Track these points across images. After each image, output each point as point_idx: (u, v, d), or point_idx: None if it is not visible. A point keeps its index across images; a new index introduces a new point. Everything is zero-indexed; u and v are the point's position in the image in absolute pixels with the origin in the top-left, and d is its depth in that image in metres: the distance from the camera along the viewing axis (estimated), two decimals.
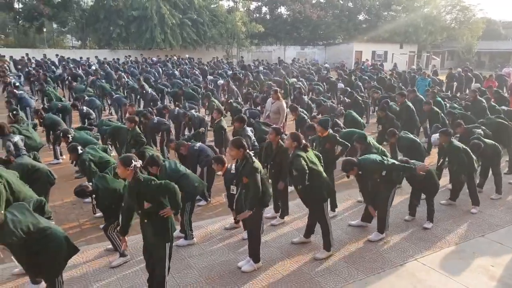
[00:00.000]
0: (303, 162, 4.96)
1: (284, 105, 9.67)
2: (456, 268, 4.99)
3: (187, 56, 29.46)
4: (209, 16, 34.36)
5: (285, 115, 9.85)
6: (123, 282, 4.65)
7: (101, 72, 18.95)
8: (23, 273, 4.62)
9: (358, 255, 5.24)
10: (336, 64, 28.93)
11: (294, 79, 17.92)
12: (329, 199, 6.27)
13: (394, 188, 5.61)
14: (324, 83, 16.99)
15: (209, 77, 18.70)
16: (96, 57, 26.73)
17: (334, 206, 6.47)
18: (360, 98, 12.06)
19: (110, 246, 5.30)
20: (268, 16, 42.36)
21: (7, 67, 21.58)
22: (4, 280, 4.70)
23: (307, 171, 4.98)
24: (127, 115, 9.54)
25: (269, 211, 6.32)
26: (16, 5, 33.19)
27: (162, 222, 4.03)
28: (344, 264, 5.03)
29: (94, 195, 4.96)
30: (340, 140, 6.60)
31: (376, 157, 5.52)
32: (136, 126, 7.93)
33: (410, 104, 9.76)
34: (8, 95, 12.66)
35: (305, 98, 12.59)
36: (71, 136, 7.36)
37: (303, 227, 5.68)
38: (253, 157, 4.74)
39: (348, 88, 14.01)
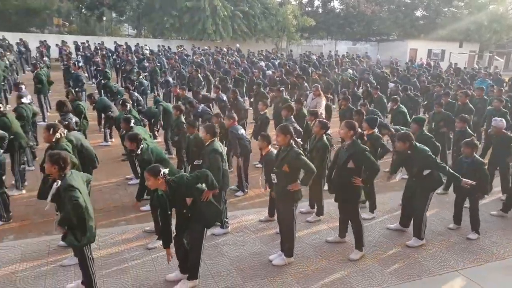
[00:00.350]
0: (372, 157, 4.85)
1: (323, 102, 9.49)
2: (502, 284, 4.69)
3: (238, 45, 29.69)
4: (261, 9, 34.37)
5: (321, 111, 9.70)
6: (157, 264, 4.79)
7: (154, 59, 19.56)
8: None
9: (394, 260, 5.06)
10: (389, 61, 27.96)
11: (350, 71, 17.69)
12: (368, 201, 6.21)
13: (431, 192, 5.34)
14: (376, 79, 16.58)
15: (261, 63, 18.75)
16: (144, 45, 27.59)
17: (373, 208, 6.29)
18: (412, 94, 11.67)
19: (149, 228, 5.48)
20: (320, 10, 41.69)
21: (70, 51, 22.82)
22: (52, 251, 5.00)
23: (379, 169, 4.89)
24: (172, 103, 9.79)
25: (303, 207, 6.29)
26: None
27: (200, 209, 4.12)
28: (378, 268, 4.87)
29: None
30: (383, 142, 6.36)
31: (430, 152, 5.25)
32: (181, 114, 8.11)
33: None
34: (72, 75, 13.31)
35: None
36: (133, 121, 6.87)
37: (337, 226, 5.56)
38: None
39: (399, 90, 13.46)
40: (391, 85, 15.70)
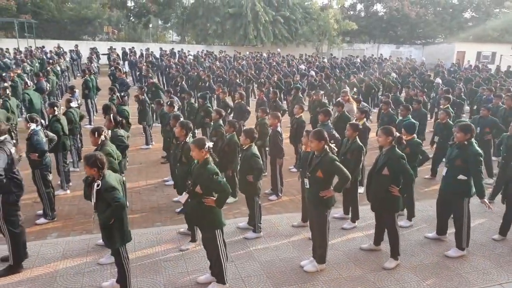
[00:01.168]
0: (407, 165, 4.72)
1: (355, 107, 9.28)
2: None
3: (279, 50, 29.81)
4: (302, 14, 34.33)
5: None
6: (189, 265, 4.88)
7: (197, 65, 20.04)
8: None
9: (431, 271, 4.85)
10: (434, 64, 26.93)
11: (394, 74, 17.27)
12: (406, 208, 6.01)
13: (465, 199, 5.06)
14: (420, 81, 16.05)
15: (301, 67, 18.67)
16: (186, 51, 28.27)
17: (411, 216, 6.07)
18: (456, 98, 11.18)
19: (183, 230, 5.60)
20: (362, 14, 40.97)
21: (118, 57, 23.87)
22: (90, 249, 5.22)
23: (413, 178, 4.79)
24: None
25: (337, 212, 6.19)
26: (129, 3, 36.61)
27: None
28: (414, 278, 4.69)
29: None
30: (423, 149, 6.12)
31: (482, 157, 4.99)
32: (220, 118, 8.23)
33: None
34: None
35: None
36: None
37: (372, 234, 5.41)
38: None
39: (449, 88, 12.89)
40: (438, 81, 15.14)
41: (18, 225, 4.65)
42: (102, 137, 5.28)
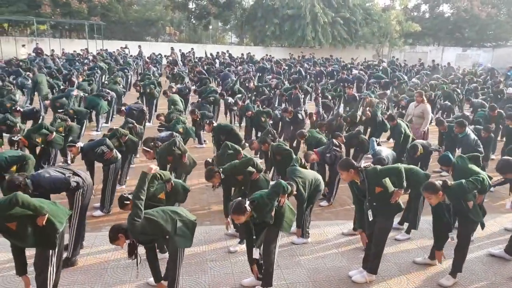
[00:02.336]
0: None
1: (429, 108, 8.80)
2: None
3: (332, 56, 29.25)
4: (363, 15, 33.48)
5: (429, 119, 9.00)
6: (235, 267, 4.87)
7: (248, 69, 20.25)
8: None
9: None
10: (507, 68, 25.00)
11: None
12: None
13: None
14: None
15: (355, 72, 18.09)
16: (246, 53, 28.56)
17: (411, 228, 5.70)
18: None
19: (231, 231, 5.60)
20: (427, 15, 39.05)
21: (176, 59, 24.74)
22: None
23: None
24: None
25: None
26: (190, 5, 37.80)
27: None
28: None
29: None
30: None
31: None
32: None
33: None
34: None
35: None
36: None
37: (430, 246, 5.07)
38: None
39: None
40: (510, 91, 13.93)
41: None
42: None
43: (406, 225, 5.75)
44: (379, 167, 4.40)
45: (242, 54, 28.08)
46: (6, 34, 33.38)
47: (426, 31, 36.29)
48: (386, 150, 6.82)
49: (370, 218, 4.39)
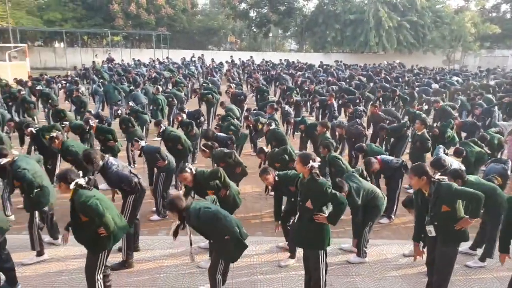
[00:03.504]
0: None
1: None
2: None
3: (398, 61, 27.97)
4: (432, 18, 31.75)
5: None
6: (285, 283, 4.63)
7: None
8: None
9: None
10: None
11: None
12: None
13: None
14: None
15: (434, 86, 16.88)
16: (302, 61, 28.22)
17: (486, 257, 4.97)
18: None
19: (282, 244, 5.38)
20: (508, 15, 36.09)
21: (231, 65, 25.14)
22: (194, 251, 5.33)
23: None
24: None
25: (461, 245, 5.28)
26: (251, 14, 38.37)
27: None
28: None
29: None
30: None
31: None
32: (327, 132, 7.88)
33: None
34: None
35: None
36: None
37: (508, 277, 4.45)
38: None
39: None
40: None
41: (133, 222, 4.98)
42: None
43: (480, 250, 5.14)
44: (455, 185, 3.85)
45: (298, 61, 27.70)
46: (86, 46, 36.14)
47: (506, 33, 33.47)
48: (454, 162, 6.21)
49: (430, 234, 3.94)
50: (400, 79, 18.70)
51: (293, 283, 4.61)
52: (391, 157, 6.47)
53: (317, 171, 3.85)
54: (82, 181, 3.75)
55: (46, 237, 5.33)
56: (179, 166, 7.26)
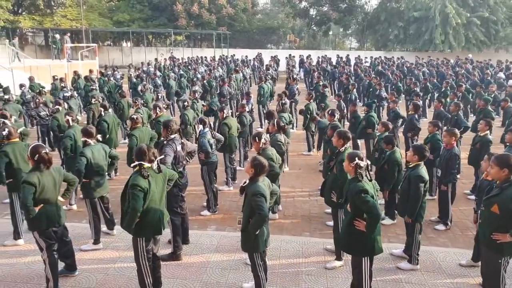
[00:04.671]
0: None
1: None
2: None
3: (470, 56, 26.22)
4: (506, 13, 29.45)
5: None
6: (330, 284, 4.58)
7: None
8: None
9: None
10: None
11: None
12: None
13: None
14: None
15: (500, 75, 15.72)
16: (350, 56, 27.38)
17: None
18: None
19: (330, 247, 5.30)
20: None
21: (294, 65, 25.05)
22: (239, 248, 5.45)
23: None
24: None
25: None
26: (311, 12, 38.03)
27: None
28: None
29: None
30: None
31: None
32: (387, 132, 7.59)
33: None
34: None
35: None
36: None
37: None
38: None
39: None
40: None
41: (178, 215, 5.16)
42: (263, 141, 5.43)
43: None
44: None
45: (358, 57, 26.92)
46: (150, 45, 37.93)
47: None
48: None
49: (479, 220, 3.89)
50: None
51: (338, 286, 4.54)
52: None
53: (362, 172, 3.77)
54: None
55: (104, 227, 5.69)
56: (225, 160, 7.46)
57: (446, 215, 5.98)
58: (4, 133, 5.26)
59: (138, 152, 3.98)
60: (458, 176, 6.93)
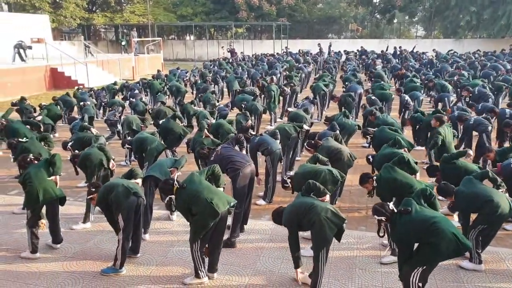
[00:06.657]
0: None
1: None
2: None
3: None
4: None
5: None
6: (385, 280, 4.48)
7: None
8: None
9: None
10: None
11: None
12: None
13: None
14: None
15: None
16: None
17: None
18: None
19: (387, 242, 5.16)
20: None
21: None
22: None
23: None
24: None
25: None
26: (374, 0, 36.63)
27: None
28: None
29: None
30: None
31: None
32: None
33: None
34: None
35: None
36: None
37: None
38: None
39: None
40: None
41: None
42: None
43: None
44: None
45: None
46: (212, 38, 38.84)
47: None
48: None
49: None
50: None
51: (393, 282, 4.42)
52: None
53: None
54: None
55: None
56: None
57: None
58: None
59: None
60: None
